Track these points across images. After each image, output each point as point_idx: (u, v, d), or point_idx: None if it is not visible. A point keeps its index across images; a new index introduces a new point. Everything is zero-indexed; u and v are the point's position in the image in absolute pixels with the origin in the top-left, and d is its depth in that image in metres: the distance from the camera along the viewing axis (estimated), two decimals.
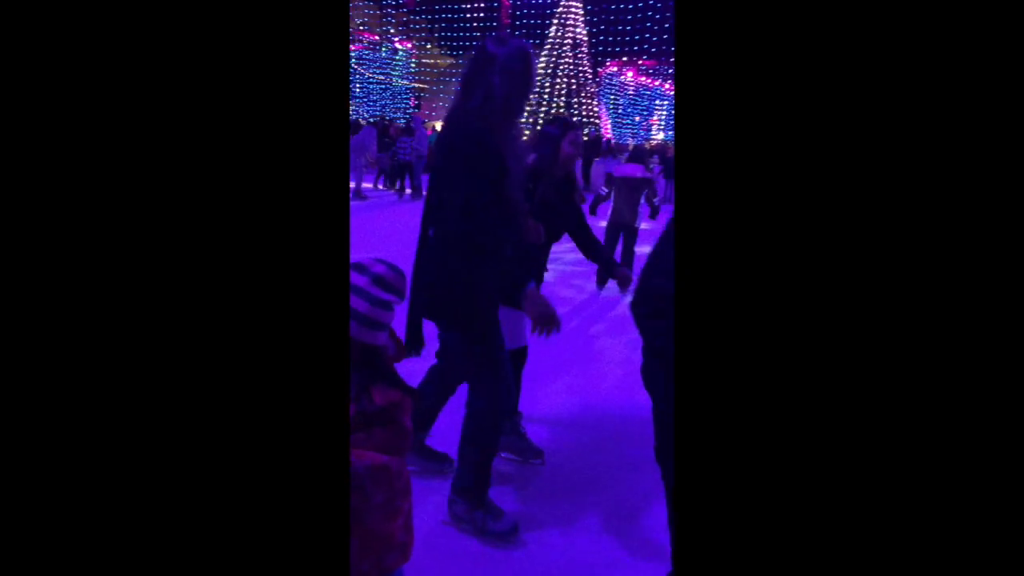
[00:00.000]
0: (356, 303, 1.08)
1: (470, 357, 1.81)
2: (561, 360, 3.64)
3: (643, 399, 1.56)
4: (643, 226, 5.56)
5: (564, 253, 6.90)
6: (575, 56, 18.67)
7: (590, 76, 19.16)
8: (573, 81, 18.72)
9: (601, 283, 5.17)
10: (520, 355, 2.22)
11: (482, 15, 22.06)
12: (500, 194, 1.62)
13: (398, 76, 22.40)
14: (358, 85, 23.07)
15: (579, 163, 6.11)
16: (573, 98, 18.69)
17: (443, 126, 1.83)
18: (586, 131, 18.09)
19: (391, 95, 22.65)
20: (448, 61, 24.71)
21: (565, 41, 18.50)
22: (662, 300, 1.36)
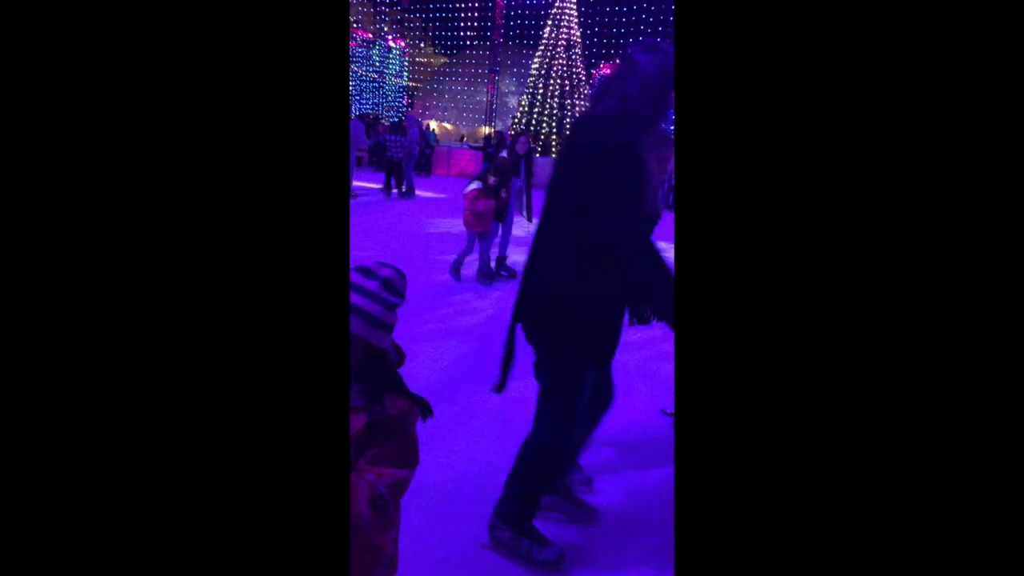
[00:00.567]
0: (368, 306, 1.07)
1: (553, 388, 1.68)
2: None
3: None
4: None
5: None
6: (569, 57, 18.69)
7: (584, 78, 19.19)
8: (567, 82, 18.73)
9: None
10: (602, 405, 2.02)
11: (476, 15, 22.03)
12: (638, 205, 1.49)
13: (391, 74, 22.33)
14: (351, 83, 22.97)
15: None
16: (567, 99, 18.71)
17: (571, 135, 1.71)
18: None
19: (384, 93, 22.58)
20: (442, 60, 24.65)
21: (559, 43, 18.51)
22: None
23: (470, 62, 22.88)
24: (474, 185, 5.08)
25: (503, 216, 5.38)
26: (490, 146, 12.49)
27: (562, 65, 18.52)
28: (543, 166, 12.84)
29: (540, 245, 1.69)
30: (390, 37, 22.05)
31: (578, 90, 18.79)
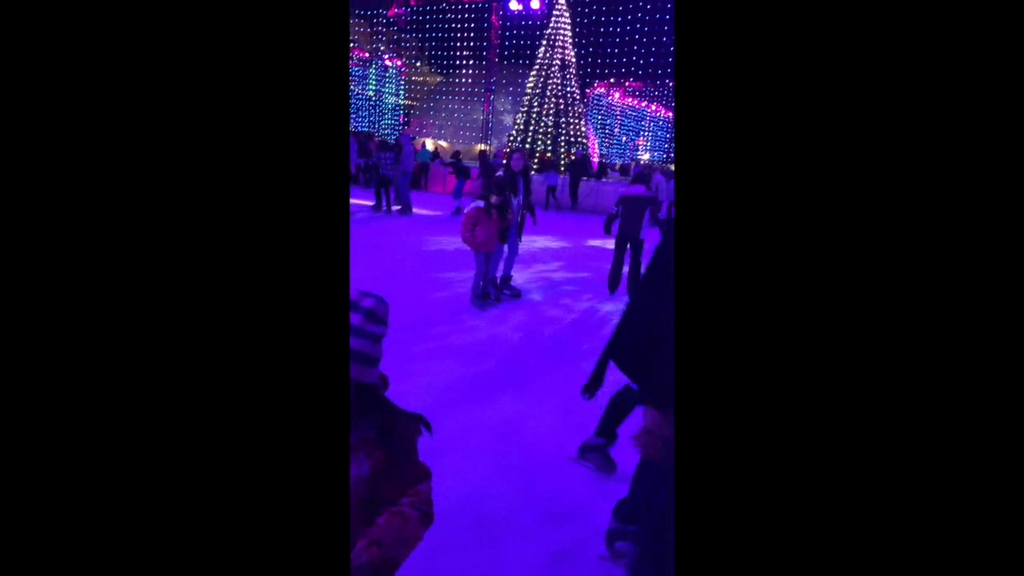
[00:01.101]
0: (356, 344, 1.05)
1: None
2: (553, 381, 3.61)
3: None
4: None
5: (552, 272, 6.90)
6: (563, 77, 18.92)
7: (578, 97, 19.41)
8: (561, 101, 18.94)
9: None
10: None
11: (472, 35, 22.33)
12: None
13: (388, 93, 22.53)
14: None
15: (567, 180, 6.08)
16: (561, 118, 18.90)
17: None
18: (573, 150, 18.26)
19: (381, 111, 22.75)
20: (438, 79, 24.92)
21: (554, 62, 18.75)
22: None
23: (466, 81, 23.14)
24: (475, 204, 4.95)
25: (505, 236, 5.21)
26: (454, 162, 12.51)
27: (557, 84, 18.73)
28: (538, 183, 12.94)
29: (645, 294, 1.76)
30: (387, 56, 22.29)
31: (573, 109, 18.99)
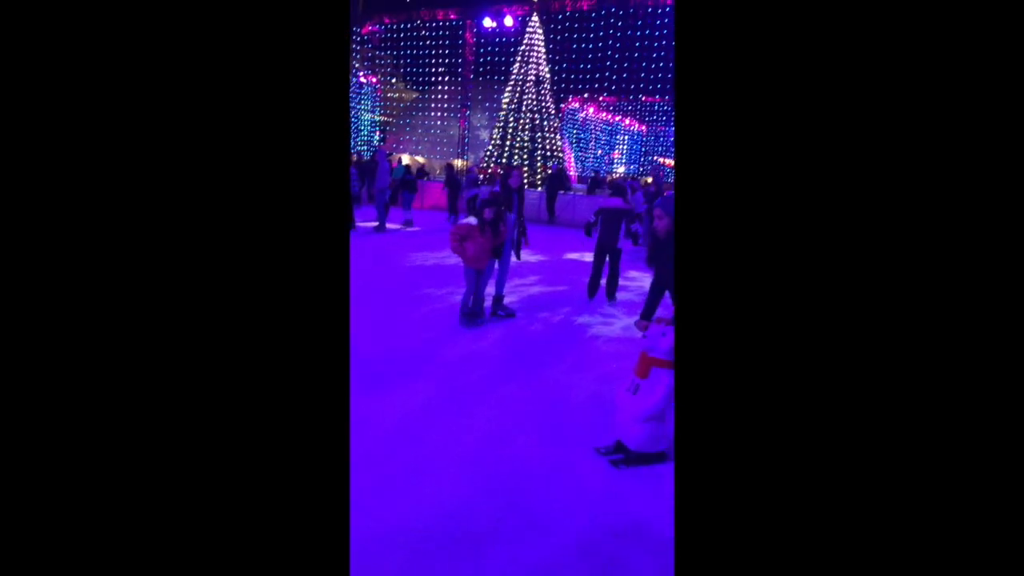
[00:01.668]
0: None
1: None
2: (533, 394, 3.64)
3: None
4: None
5: (530, 286, 6.94)
6: (538, 92, 19.15)
7: (553, 111, 19.65)
8: (536, 116, 19.14)
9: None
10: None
11: (447, 52, 22.50)
12: None
13: (364, 110, 22.53)
14: None
15: (544, 195, 6.19)
16: (537, 132, 19.09)
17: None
18: (549, 164, 18.44)
19: (357, 128, 22.71)
20: (413, 95, 24.98)
21: (528, 78, 18.97)
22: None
23: (441, 97, 23.24)
24: (467, 220, 4.87)
25: (500, 252, 5.12)
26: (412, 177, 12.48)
27: (532, 99, 18.94)
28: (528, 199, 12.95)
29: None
30: (361, 74, 22.31)
31: (548, 123, 19.21)
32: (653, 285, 3.27)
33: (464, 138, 20.63)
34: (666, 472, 2.79)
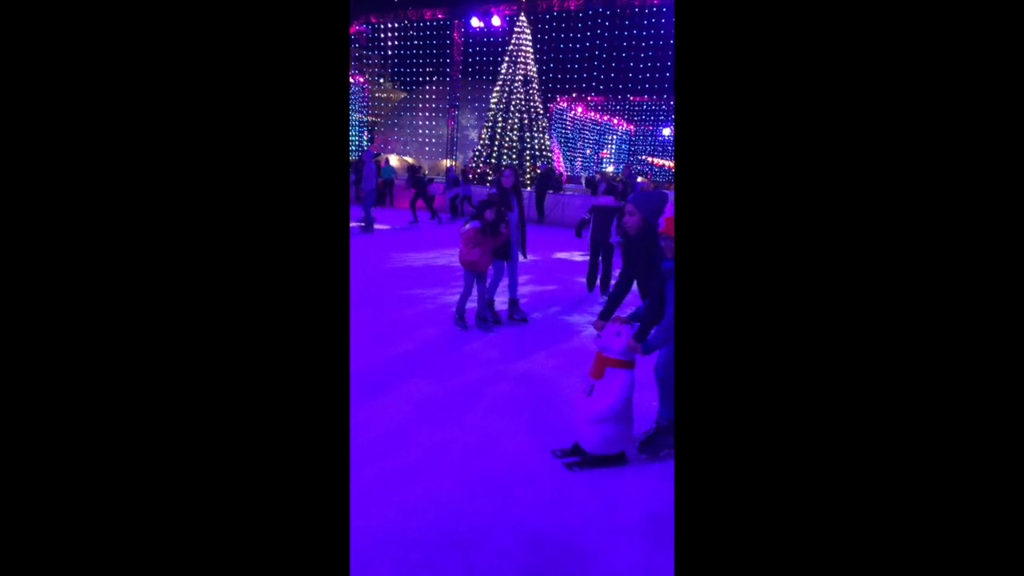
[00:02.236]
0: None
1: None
2: (525, 396, 3.60)
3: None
4: None
5: (520, 286, 6.92)
6: (526, 92, 19.16)
7: (541, 111, 19.66)
8: (525, 116, 19.16)
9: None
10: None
11: (435, 52, 22.46)
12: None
13: (352, 110, 22.45)
14: None
15: (533, 194, 6.17)
16: (526, 132, 19.10)
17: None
18: (538, 164, 18.45)
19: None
20: (402, 95, 24.92)
21: (516, 78, 18.98)
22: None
23: (430, 97, 23.21)
24: (471, 224, 4.73)
25: (507, 254, 5.03)
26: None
27: (520, 99, 18.95)
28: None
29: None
30: (350, 74, 22.25)
31: (536, 123, 19.22)
32: (618, 283, 3.19)
33: (453, 138, 20.60)
34: (614, 475, 2.68)
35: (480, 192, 15.83)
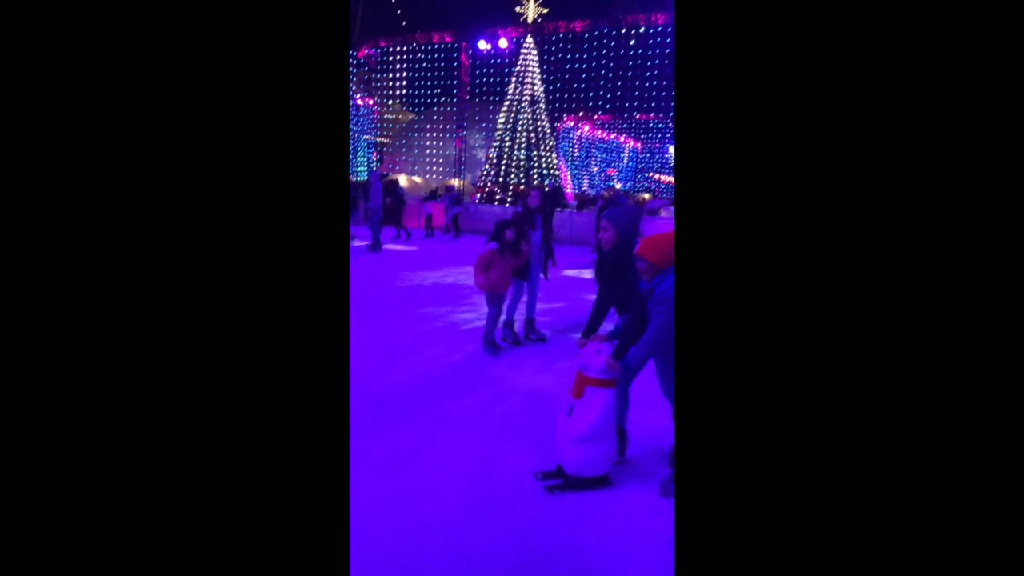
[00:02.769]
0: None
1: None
2: (533, 414, 3.60)
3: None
4: None
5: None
6: (533, 112, 19.36)
7: (548, 130, 19.83)
8: (532, 135, 19.32)
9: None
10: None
11: (443, 73, 22.80)
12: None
13: (360, 131, 22.75)
14: None
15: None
16: (533, 151, 19.25)
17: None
18: (546, 182, 18.55)
19: (355, 150, 22.91)
20: (410, 116, 25.24)
21: (524, 97, 19.19)
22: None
23: (438, 118, 23.49)
24: (488, 245, 4.66)
25: (525, 274, 4.95)
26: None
27: (527, 119, 19.14)
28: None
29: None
30: (358, 96, 22.56)
31: (543, 142, 19.38)
32: (597, 301, 3.09)
33: (461, 158, 20.82)
34: (600, 500, 2.58)
35: (489, 212, 15.91)
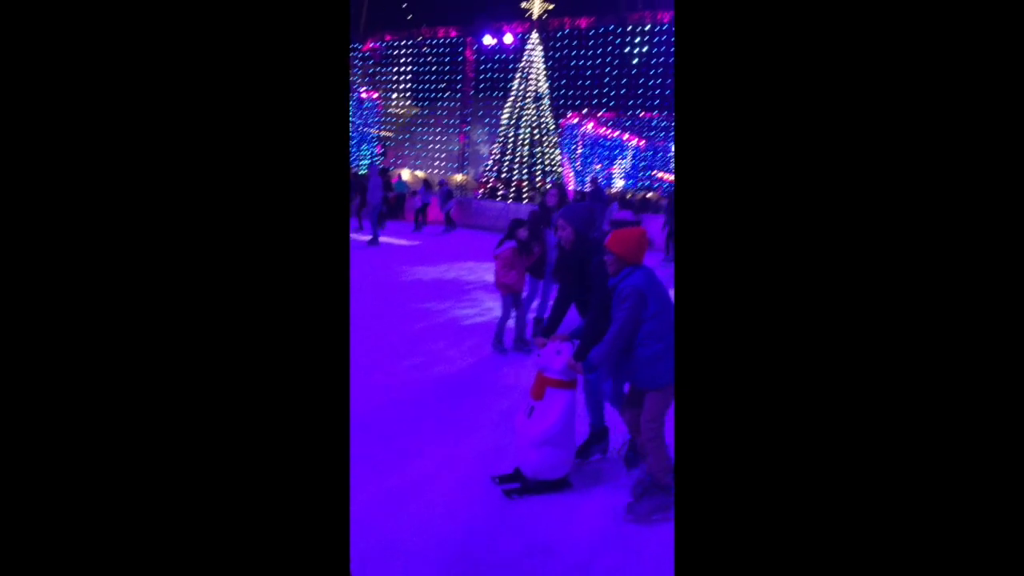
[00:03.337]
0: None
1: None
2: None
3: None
4: None
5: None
6: (537, 108, 19.30)
7: (552, 127, 19.78)
8: (536, 131, 19.27)
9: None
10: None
11: (447, 68, 22.73)
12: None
13: (364, 124, 22.72)
14: None
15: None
16: (536, 147, 19.21)
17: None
18: (549, 180, 18.53)
19: (358, 143, 22.90)
20: (414, 111, 25.19)
21: (527, 94, 19.14)
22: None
23: (442, 113, 23.44)
24: (507, 243, 4.57)
25: (541, 272, 4.90)
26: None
27: (531, 115, 19.10)
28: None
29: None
30: (363, 90, 22.53)
31: (547, 139, 19.34)
32: (557, 299, 3.05)
33: (464, 153, 20.77)
34: (559, 502, 2.52)
35: (491, 207, 15.84)
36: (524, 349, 4.74)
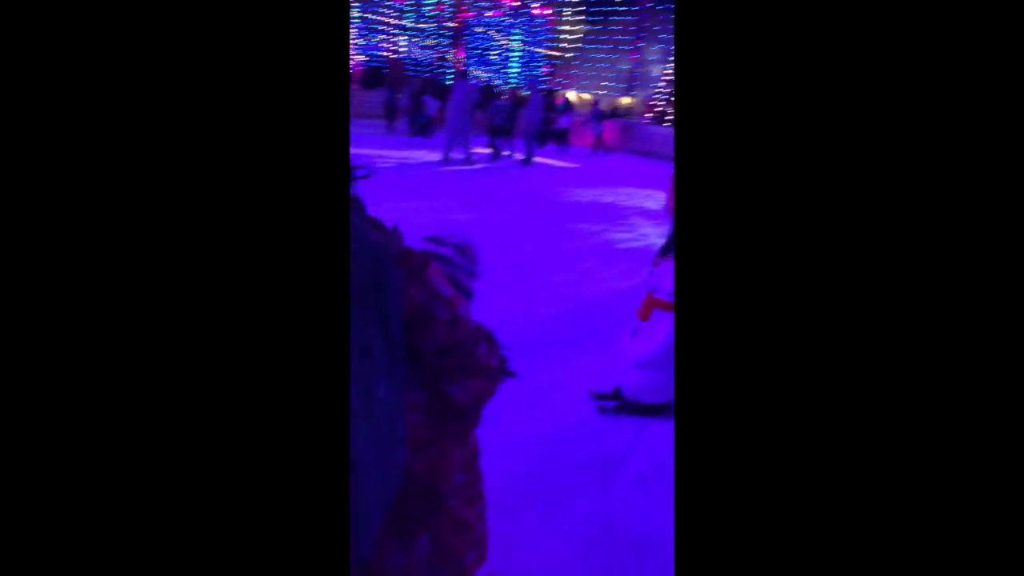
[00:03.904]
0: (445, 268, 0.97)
1: None
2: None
3: None
4: None
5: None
6: None
7: None
8: None
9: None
10: None
11: None
12: None
13: (534, 42, 22.34)
14: (495, 53, 23.42)
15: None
16: None
17: None
18: None
19: (525, 62, 22.71)
20: (585, 28, 24.07)
21: None
22: None
23: (615, 29, 22.10)
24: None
25: None
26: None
27: None
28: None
29: None
30: (535, 5, 21.98)
31: None
32: None
33: (634, 73, 19.58)
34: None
35: (658, 132, 14.89)
36: None
